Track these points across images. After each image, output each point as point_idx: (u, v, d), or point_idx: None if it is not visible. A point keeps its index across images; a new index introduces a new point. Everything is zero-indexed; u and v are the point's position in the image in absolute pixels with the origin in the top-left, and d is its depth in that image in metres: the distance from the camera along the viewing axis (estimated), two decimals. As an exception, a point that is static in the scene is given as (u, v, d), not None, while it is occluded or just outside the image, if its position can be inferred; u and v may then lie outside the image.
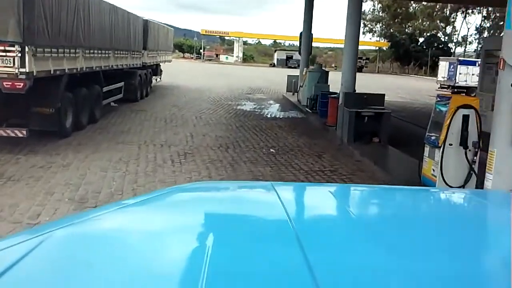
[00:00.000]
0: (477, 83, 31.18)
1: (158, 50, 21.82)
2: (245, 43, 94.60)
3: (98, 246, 1.14)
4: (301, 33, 19.65)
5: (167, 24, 27.04)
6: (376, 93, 12.48)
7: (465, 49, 72.37)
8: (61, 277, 0.98)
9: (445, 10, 73.57)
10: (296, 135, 12.58)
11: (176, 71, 39.94)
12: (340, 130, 11.75)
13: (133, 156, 9.02)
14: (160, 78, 24.03)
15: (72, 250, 1.13)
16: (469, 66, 31.01)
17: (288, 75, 23.20)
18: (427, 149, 7.29)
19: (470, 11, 70.08)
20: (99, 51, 12.63)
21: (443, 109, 6.99)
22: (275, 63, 76.74)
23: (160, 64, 23.62)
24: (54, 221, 1.59)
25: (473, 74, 30.83)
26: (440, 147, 6.88)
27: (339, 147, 11.17)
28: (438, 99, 7.35)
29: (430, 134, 7.24)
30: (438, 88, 32.59)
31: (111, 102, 15.45)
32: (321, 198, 1.70)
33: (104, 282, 0.95)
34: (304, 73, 18.50)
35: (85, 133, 11.05)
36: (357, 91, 12.69)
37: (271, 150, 10.41)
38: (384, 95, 12.11)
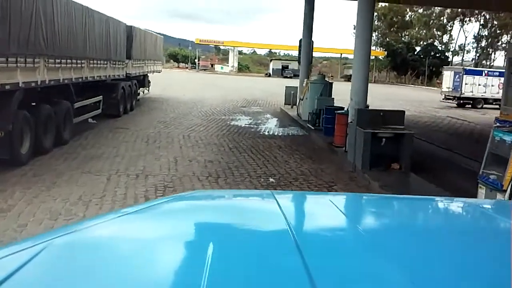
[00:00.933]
0: (483, 94, 29.65)
1: (145, 60, 19.95)
2: (240, 52, 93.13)
3: (98, 255, 1.10)
4: (300, 40, 17.82)
5: (161, 34, 25.24)
6: (394, 109, 10.62)
7: (462, 58, 70.99)
8: (61, 286, 0.95)
9: (442, 18, 72.32)
10: (298, 158, 10.67)
11: (168, 82, 38.13)
12: (351, 153, 9.86)
13: (97, 193, 7.08)
14: (148, 90, 22.13)
15: (73, 259, 1.09)
16: (476, 76, 29.26)
17: (286, 87, 21.33)
18: (482, 191, 5.41)
19: (467, 19, 68.85)
20: (69, 61, 10.73)
21: (508, 138, 5.11)
22: (271, 73, 75.12)
23: (148, 74, 21.72)
24: (54, 230, 1.48)
25: (479, 85, 29.15)
26: (504, 190, 5.01)
27: (352, 175, 9.27)
28: (498, 124, 5.50)
29: (487, 171, 5.36)
30: (443, 99, 30.80)
31: (89, 118, 13.58)
32: (321, 207, 1.64)
33: None
34: (304, 84, 16.65)
35: (47, 160, 9.10)
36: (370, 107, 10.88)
37: (271, 180, 8.51)
38: (403, 112, 10.23)
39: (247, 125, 15.93)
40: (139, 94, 20.70)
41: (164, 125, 14.62)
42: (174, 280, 0.98)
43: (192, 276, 0.93)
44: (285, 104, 21.27)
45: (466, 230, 1.46)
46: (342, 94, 15.98)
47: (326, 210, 1.55)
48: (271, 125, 16.34)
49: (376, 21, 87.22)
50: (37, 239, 1.17)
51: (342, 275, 0.99)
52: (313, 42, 17.91)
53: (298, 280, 0.92)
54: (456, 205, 1.93)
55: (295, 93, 20.76)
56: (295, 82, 38.75)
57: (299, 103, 17.15)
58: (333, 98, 14.75)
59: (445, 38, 76.89)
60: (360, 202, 1.92)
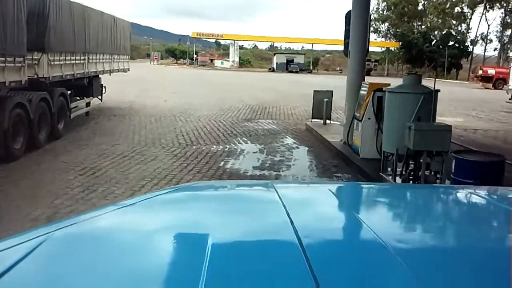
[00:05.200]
0: None
1: (89, 53, 11.93)
2: (241, 47, 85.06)
3: (98, 247, 1.05)
4: (348, 14, 9.73)
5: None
6: None
7: (485, 48, 62.58)
8: (61, 278, 0.90)
9: (462, 5, 63.83)
10: None
11: (154, 82, 30.19)
12: None
13: None
14: (101, 99, 14.11)
15: (73, 251, 1.04)
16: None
17: (315, 91, 13.22)
18: None
19: (489, 5, 60.37)
20: None
21: None
22: (275, 68, 66.97)
23: (100, 76, 13.72)
24: (54, 222, 1.27)
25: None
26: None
27: None
28: None
29: None
30: (510, 99, 22.73)
31: None
32: (322, 197, 1.56)
33: (104, 283, 0.87)
34: (365, 92, 8.63)
35: None
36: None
37: None
38: None
39: (257, 172, 7.98)
40: (71, 111, 12.82)
41: (85, 186, 6.67)
42: (175, 271, 0.92)
43: (192, 267, 0.89)
44: (313, 118, 13.22)
45: (469, 218, 1.41)
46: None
47: (326, 200, 1.51)
48: (303, 171, 8.33)
49: (385, 11, 79.05)
50: (37, 232, 1.11)
51: (343, 265, 0.95)
52: (370, 15, 9.80)
53: (298, 270, 0.88)
54: (460, 193, 1.82)
55: (330, 101, 12.77)
56: (305, 79, 30.31)
57: (351, 124, 9.10)
58: (449, 126, 6.65)
59: (462, 27, 68.40)
60: (360, 191, 1.83)
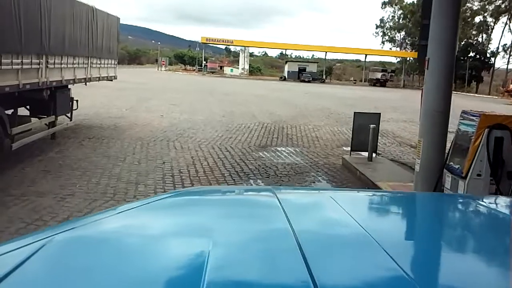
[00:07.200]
0: None
1: (48, 55, 8.52)
2: (251, 55, 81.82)
3: (100, 251, 1.03)
4: (427, 1, 6.29)
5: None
6: None
7: (508, 60, 58.69)
8: (62, 282, 0.88)
9: (484, 14, 60.15)
10: None
11: (156, 90, 26.96)
12: None
13: None
14: (70, 118, 10.65)
15: (74, 255, 1.03)
16: None
17: (355, 113, 9.62)
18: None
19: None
20: None
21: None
22: (286, 76, 63.63)
23: (69, 86, 10.29)
24: (55, 226, 1.30)
25: None
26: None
27: None
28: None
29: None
30: None
31: None
32: (323, 203, 1.53)
33: (105, 287, 0.85)
34: (470, 127, 5.12)
35: None
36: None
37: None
38: None
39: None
40: (52, 125, 9.45)
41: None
42: (175, 275, 0.90)
43: (193, 271, 0.88)
44: (352, 149, 9.68)
45: (468, 226, 1.39)
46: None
47: (327, 206, 1.46)
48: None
49: (401, 19, 75.60)
50: (38, 235, 1.09)
51: (343, 271, 0.93)
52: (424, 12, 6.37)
53: (298, 276, 0.86)
54: (460, 201, 1.79)
55: (376, 127, 9.26)
56: (320, 89, 27.14)
57: (440, 178, 5.53)
58: None
59: (483, 37, 64.59)
60: (361, 198, 1.77)
